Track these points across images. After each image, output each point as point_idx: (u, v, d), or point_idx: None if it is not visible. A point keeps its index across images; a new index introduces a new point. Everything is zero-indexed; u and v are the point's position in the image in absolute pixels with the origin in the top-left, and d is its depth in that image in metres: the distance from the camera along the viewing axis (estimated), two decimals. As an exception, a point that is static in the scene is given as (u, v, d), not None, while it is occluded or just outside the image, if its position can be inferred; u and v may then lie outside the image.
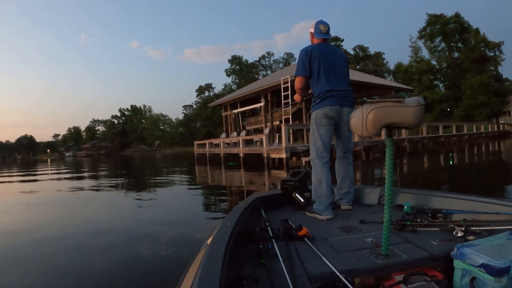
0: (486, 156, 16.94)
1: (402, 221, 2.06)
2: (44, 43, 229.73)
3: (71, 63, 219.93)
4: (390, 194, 1.73)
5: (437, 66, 57.15)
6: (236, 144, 20.03)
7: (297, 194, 2.91)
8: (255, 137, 19.32)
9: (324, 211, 2.64)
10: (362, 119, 1.67)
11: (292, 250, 1.80)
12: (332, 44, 3.36)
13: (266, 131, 19.04)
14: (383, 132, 1.75)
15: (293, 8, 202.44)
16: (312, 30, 3.08)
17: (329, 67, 2.95)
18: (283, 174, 12.13)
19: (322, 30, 3.03)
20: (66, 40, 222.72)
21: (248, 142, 19.88)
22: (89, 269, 3.58)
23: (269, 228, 2.09)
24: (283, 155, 14.52)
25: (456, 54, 55.84)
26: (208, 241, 1.67)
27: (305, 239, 1.94)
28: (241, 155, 18.21)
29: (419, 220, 2.08)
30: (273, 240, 1.89)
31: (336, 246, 1.85)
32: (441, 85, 58.23)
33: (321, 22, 3.06)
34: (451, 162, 13.80)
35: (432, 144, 23.97)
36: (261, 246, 1.76)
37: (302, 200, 2.85)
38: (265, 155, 15.93)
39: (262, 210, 2.57)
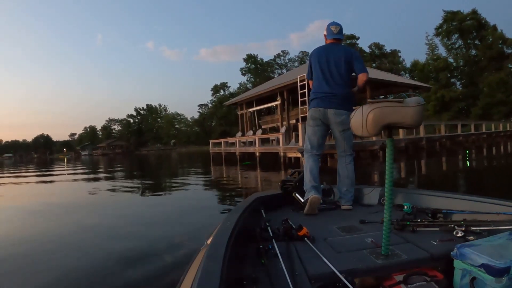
0: (505, 157, 16.47)
1: (402, 221, 2.06)
2: (62, 45, 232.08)
3: (88, 63, 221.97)
4: (390, 194, 1.73)
5: (454, 64, 56.13)
6: (252, 143, 19.87)
7: (297, 194, 2.94)
8: (271, 136, 19.29)
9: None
10: (362, 119, 1.68)
11: (292, 250, 1.81)
12: (347, 41, 3.43)
13: (283, 129, 18.85)
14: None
15: (308, 7, 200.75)
16: (325, 32, 3.26)
17: (324, 69, 3.12)
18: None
19: (333, 31, 3.20)
20: (83, 41, 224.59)
21: (264, 141, 19.83)
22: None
23: (269, 228, 2.10)
24: (300, 154, 14.36)
25: (473, 52, 54.84)
26: (208, 241, 1.68)
27: (305, 239, 1.95)
28: (257, 154, 18.20)
29: (419, 220, 2.08)
30: (273, 240, 1.91)
31: (336, 246, 1.85)
32: (458, 83, 57.29)
33: (332, 23, 3.24)
34: (467, 163, 13.47)
35: (450, 143, 23.52)
36: (261, 246, 1.77)
37: (302, 200, 2.86)
38: (281, 154, 15.84)
39: (262, 210, 2.59)
